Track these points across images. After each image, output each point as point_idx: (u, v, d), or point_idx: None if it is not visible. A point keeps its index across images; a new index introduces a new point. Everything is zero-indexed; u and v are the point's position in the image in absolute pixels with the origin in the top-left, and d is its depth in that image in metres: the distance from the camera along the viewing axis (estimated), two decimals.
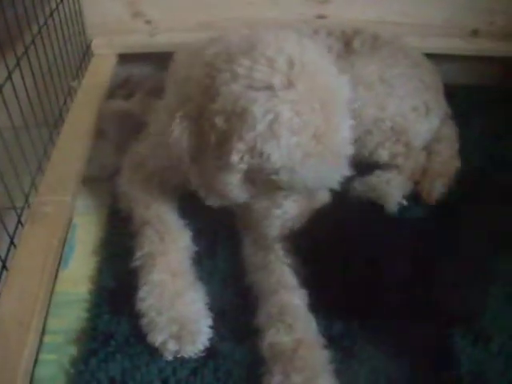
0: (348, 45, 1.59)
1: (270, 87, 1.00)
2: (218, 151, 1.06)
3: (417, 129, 1.48)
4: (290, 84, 1.01)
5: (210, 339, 1.08)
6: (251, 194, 1.14)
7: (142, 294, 1.11)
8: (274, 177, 1.06)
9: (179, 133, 1.08)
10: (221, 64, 1.06)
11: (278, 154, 1.01)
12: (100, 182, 1.47)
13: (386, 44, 1.57)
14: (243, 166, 1.05)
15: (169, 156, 1.17)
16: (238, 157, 1.03)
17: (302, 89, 1.01)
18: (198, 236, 1.27)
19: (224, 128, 1.03)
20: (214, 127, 1.04)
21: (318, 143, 1.03)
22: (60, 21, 1.49)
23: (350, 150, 1.11)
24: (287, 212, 1.16)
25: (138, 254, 1.18)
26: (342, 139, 1.08)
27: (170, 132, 1.09)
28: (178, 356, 1.04)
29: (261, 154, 1.02)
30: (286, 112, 0.99)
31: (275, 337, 1.04)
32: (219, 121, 1.03)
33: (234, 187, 1.10)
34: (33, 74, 1.25)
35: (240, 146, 1.02)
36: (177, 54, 1.33)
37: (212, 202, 1.17)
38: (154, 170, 1.32)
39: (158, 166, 1.31)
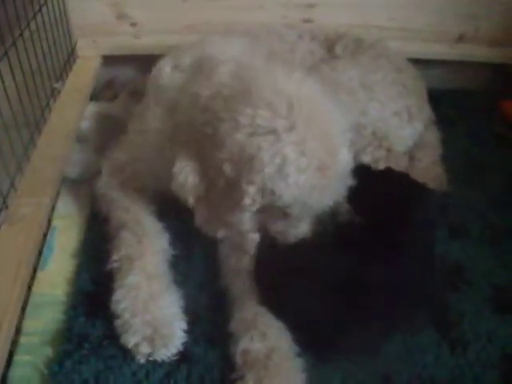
0: (331, 49, 1.60)
1: (273, 132, 1.04)
2: (227, 194, 1.08)
3: (399, 134, 1.49)
4: (291, 126, 1.04)
5: (184, 343, 1.09)
6: (261, 225, 1.17)
7: (117, 296, 1.11)
8: (286, 210, 1.10)
9: (183, 176, 1.11)
10: (220, 112, 1.09)
11: (288, 192, 1.05)
12: (81, 184, 1.47)
13: (368, 48, 1.58)
14: (255, 207, 1.08)
15: (148, 164, 1.23)
16: (249, 200, 1.06)
17: (302, 128, 1.04)
18: (174, 239, 1.27)
19: (232, 174, 1.06)
20: (222, 174, 1.07)
21: (323, 176, 1.06)
22: (43, 22, 1.49)
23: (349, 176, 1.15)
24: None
25: (115, 256, 1.19)
26: (343, 167, 1.12)
27: (173, 174, 1.12)
28: (151, 359, 1.05)
29: (272, 194, 1.05)
30: (292, 153, 1.03)
31: (249, 344, 1.04)
32: (227, 168, 1.06)
33: (246, 222, 1.13)
34: (13, 76, 1.25)
35: (251, 190, 1.05)
36: (159, 65, 1.36)
37: (218, 234, 1.18)
38: (132, 175, 1.34)
39: (137, 173, 1.33)
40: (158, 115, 1.26)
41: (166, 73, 1.32)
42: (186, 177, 1.11)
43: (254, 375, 1.00)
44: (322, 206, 1.13)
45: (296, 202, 1.07)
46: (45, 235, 1.33)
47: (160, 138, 1.23)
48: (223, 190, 1.08)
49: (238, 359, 1.04)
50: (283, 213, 1.12)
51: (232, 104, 1.08)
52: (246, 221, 1.12)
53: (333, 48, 1.60)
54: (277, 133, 1.03)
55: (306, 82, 1.13)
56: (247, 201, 1.06)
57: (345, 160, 1.12)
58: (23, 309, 1.17)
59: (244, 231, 1.16)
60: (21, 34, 1.29)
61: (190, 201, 1.13)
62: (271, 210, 1.11)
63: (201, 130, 1.11)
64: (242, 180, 1.05)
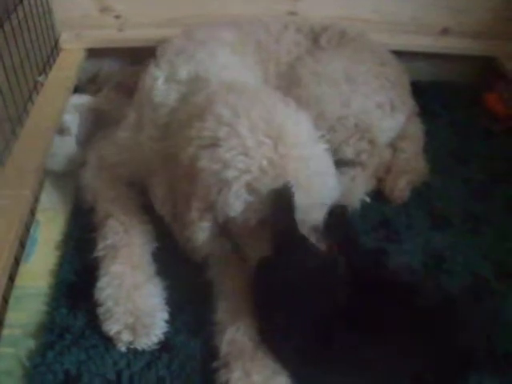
0: (315, 41, 1.60)
1: (216, 140, 1.04)
2: (185, 209, 1.09)
3: (381, 126, 1.50)
4: (233, 131, 1.03)
5: (165, 333, 1.09)
6: (225, 249, 1.16)
7: (101, 283, 1.12)
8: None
9: (161, 198, 1.15)
10: (182, 130, 1.12)
11: (233, 198, 1.03)
12: (64, 177, 1.47)
13: (352, 41, 1.59)
14: (206, 224, 1.07)
15: (135, 167, 1.26)
16: (197, 215, 1.06)
17: (245, 131, 1.03)
18: (158, 231, 1.27)
19: (187, 190, 1.07)
20: (182, 191, 1.08)
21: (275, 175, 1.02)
22: (25, 15, 1.49)
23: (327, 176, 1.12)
24: None
25: (101, 244, 1.20)
26: (311, 169, 1.07)
27: (155, 194, 1.16)
28: (132, 347, 1.06)
29: (220, 206, 1.04)
30: (231, 157, 1.02)
31: (236, 334, 1.05)
32: (183, 184, 1.07)
33: (199, 239, 1.11)
34: None
35: (197, 205, 1.05)
36: (153, 74, 1.33)
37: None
38: (120, 173, 1.35)
39: (125, 171, 1.34)
40: (149, 133, 1.26)
41: (159, 86, 1.29)
42: (164, 199, 1.15)
43: (240, 365, 1.00)
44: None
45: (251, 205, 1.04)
46: (28, 229, 1.33)
47: (149, 153, 1.24)
48: (183, 205, 1.09)
49: (224, 348, 1.04)
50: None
51: (190, 122, 1.10)
52: (199, 237, 1.10)
53: (318, 40, 1.60)
54: (218, 141, 1.03)
55: (269, 95, 1.14)
56: (194, 214, 1.06)
57: (316, 166, 1.08)
58: (6, 301, 1.17)
59: (198, 248, 1.13)
60: (1, 26, 1.28)
61: (168, 219, 1.16)
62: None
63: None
64: (191, 196, 1.06)
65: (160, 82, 1.28)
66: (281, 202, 1.02)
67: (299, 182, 1.03)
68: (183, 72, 1.27)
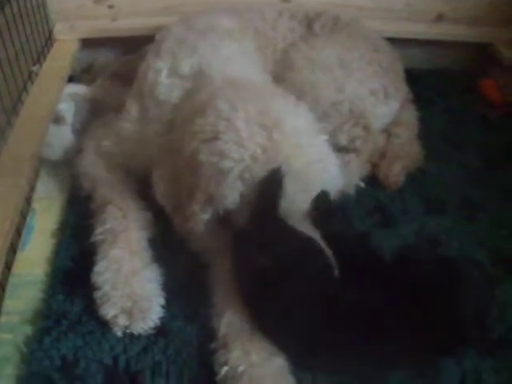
0: (309, 27, 1.59)
1: (216, 134, 1.04)
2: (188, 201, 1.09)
3: (376, 112, 1.50)
4: (231, 124, 1.04)
5: (162, 318, 1.10)
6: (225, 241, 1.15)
7: (99, 268, 1.13)
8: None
9: (163, 189, 1.15)
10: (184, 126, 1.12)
11: (230, 190, 1.03)
12: (60, 166, 1.48)
13: (346, 27, 1.59)
14: (206, 216, 1.07)
15: (134, 157, 1.27)
16: (198, 207, 1.06)
17: (241, 123, 1.03)
18: (155, 217, 1.28)
19: (189, 183, 1.08)
20: (184, 183, 1.09)
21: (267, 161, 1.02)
22: (19, 7, 1.49)
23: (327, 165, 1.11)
24: None
25: (99, 229, 1.21)
26: (309, 156, 1.07)
27: (157, 186, 1.16)
28: (128, 332, 1.07)
29: (219, 198, 1.04)
30: (228, 148, 1.02)
31: (234, 316, 1.06)
32: (185, 177, 1.08)
33: (204, 235, 1.12)
34: None
35: (198, 197, 1.05)
36: (155, 67, 1.31)
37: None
38: (119, 162, 1.36)
39: (125, 161, 1.35)
40: (155, 128, 1.27)
41: (162, 81, 1.28)
42: (166, 191, 1.15)
43: (239, 345, 1.01)
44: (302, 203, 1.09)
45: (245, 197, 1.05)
46: (24, 217, 1.34)
47: (153, 147, 1.25)
48: (185, 197, 1.10)
49: (222, 330, 1.05)
50: None
51: (193, 118, 1.10)
52: (200, 229, 1.10)
53: (311, 26, 1.59)
54: (218, 135, 1.04)
55: (268, 92, 1.15)
56: (195, 207, 1.06)
57: (313, 155, 1.08)
58: (3, 289, 1.18)
59: (199, 240, 1.14)
60: None
61: (168, 209, 1.16)
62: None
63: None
64: (194, 188, 1.06)
65: (163, 75, 1.28)
66: (268, 183, 1.02)
67: (294, 169, 1.04)
68: (186, 66, 1.26)
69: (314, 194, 1.09)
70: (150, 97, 1.28)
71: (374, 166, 1.50)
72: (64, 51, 1.69)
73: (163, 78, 1.27)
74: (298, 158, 1.04)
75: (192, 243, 1.16)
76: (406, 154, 1.51)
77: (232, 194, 1.04)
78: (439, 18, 1.97)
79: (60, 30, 1.76)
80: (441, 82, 2.00)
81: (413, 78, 1.73)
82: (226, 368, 0.99)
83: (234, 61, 1.30)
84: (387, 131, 1.56)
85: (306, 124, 1.11)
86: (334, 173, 1.13)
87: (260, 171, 1.02)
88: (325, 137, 1.14)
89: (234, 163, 1.02)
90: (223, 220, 1.10)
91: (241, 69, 1.28)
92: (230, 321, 1.05)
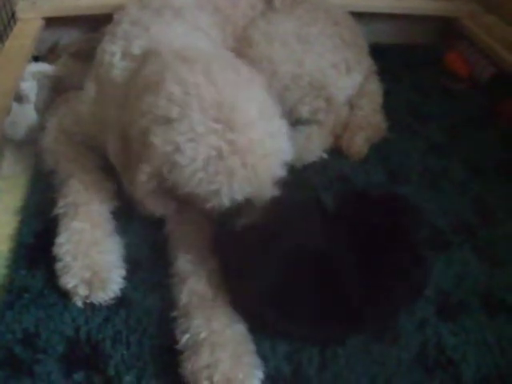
0: (270, 3, 1.60)
1: (168, 121, 1.03)
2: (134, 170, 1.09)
3: (337, 85, 1.51)
4: (184, 112, 1.02)
5: (123, 289, 1.11)
6: (170, 210, 1.16)
7: (60, 239, 1.14)
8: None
9: (115, 149, 1.15)
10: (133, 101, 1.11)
11: (183, 180, 1.03)
12: (24, 145, 1.48)
13: (306, 1, 1.59)
14: (151, 186, 1.08)
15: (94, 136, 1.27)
16: (144, 177, 1.06)
17: (195, 115, 1.02)
18: (118, 189, 1.28)
19: (139, 152, 1.07)
20: (134, 151, 1.08)
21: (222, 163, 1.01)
22: None
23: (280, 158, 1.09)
24: None
25: (61, 203, 1.21)
26: (263, 149, 1.04)
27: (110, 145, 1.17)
28: (88, 302, 1.08)
29: (169, 177, 1.05)
30: (183, 142, 1.01)
31: (196, 284, 1.07)
32: (136, 145, 1.07)
33: (148, 202, 1.12)
34: None
35: (145, 168, 1.05)
36: (110, 50, 1.29)
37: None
38: (79, 139, 1.36)
39: (84, 138, 1.35)
40: (111, 112, 1.24)
41: (116, 63, 1.26)
42: (117, 151, 1.15)
43: (200, 313, 1.02)
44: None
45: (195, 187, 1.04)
46: None
47: (110, 128, 1.23)
48: (133, 162, 1.10)
49: (184, 298, 1.06)
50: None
51: (142, 95, 1.09)
52: (144, 196, 1.11)
53: (272, 1, 1.59)
54: (172, 122, 1.03)
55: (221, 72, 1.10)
56: (142, 177, 1.06)
57: (267, 147, 1.06)
58: None
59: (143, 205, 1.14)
60: None
61: (117, 167, 1.17)
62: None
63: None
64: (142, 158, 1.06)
65: (117, 58, 1.27)
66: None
67: (249, 166, 1.02)
68: (137, 47, 1.25)
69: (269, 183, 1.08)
70: (106, 79, 1.27)
71: (338, 137, 1.51)
72: (27, 30, 1.68)
73: (117, 60, 1.26)
74: (250, 156, 1.02)
75: (139, 206, 1.16)
76: (368, 125, 1.53)
77: (185, 186, 1.04)
78: None
79: (22, 8, 1.74)
80: (407, 56, 2.02)
81: (379, 52, 1.74)
82: (187, 335, 1.01)
83: (186, 37, 1.29)
84: (351, 103, 1.57)
85: (258, 110, 1.06)
86: (288, 153, 1.11)
87: (214, 171, 1.01)
88: (280, 119, 1.11)
89: (190, 161, 1.01)
90: (170, 191, 1.10)
91: (192, 44, 1.26)
92: (192, 288, 1.07)
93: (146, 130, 1.05)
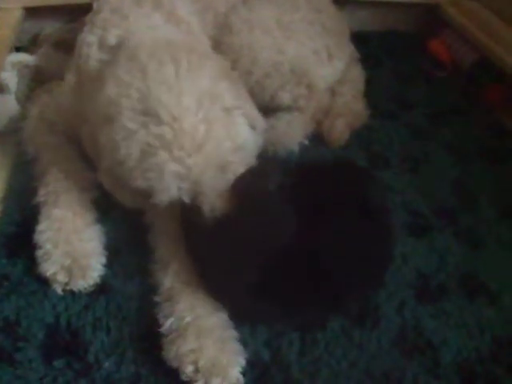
0: None
1: (109, 120, 1.02)
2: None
3: (319, 72, 1.51)
4: (119, 112, 1.01)
5: (103, 276, 1.12)
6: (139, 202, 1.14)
7: (41, 227, 1.14)
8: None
9: (87, 138, 1.17)
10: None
11: (126, 177, 1.03)
12: (5, 135, 1.47)
13: None
14: (111, 180, 1.10)
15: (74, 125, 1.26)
16: (102, 172, 1.09)
17: (128, 113, 1.00)
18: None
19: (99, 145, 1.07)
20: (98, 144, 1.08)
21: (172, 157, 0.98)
22: None
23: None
24: None
25: (42, 191, 1.21)
26: (196, 139, 0.99)
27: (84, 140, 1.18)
28: (68, 289, 1.08)
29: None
30: (119, 140, 1.00)
31: (180, 270, 1.08)
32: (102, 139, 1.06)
33: (118, 194, 1.14)
34: None
35: (102, 164, 1.07)
36: (88, 40, 1.27)
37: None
38: (60, 129, 1.36)
39: (65, 128, 1.35)
40: (85, 103, 1.22)
41: (94, 54, 1.25)
42: (84, 131, 1.17)
43: (184, 297, 1.03)
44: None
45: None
46: None
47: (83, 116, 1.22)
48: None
49: (167, 283, 1.07)
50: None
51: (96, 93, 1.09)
52: (108, 187, 1.14)
53: None
54: (110, 120, 1.02)
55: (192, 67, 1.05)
56: (101, 172, 1.09)
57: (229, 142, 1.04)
58: None
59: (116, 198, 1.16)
60: None
61: (89, 153, 1.20)
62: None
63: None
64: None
65: (94, 49, 1.25)
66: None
67: (177, 159, 0.98)
68: (113, 37, 1.23)
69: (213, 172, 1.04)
70: (85, 70, 1.26)
71: (319, 123, 1.52)
72: (7, 20, 1.66)
73: (94, 51, 1.25)
74: (182, 145, 0.98)
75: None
76: (349, 112, 1.54)
77: (128, 180, 1.03)
78: None
79: None
80: (390, 43, 2.03)
81: (362, 39, 1.76)
82: (171, 319, 1.01)
83: (161, 27, 1.27)
84: (332, 90, 1.58)
85: (198, 98, 1.01)
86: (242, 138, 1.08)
87: (146, 167, 0.99)
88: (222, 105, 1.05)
89: (125, 158, 1.00)
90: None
91: (166, 34, 1.25)
92: (175, 273, 1.08)
93: (96, 128, 1.07)
